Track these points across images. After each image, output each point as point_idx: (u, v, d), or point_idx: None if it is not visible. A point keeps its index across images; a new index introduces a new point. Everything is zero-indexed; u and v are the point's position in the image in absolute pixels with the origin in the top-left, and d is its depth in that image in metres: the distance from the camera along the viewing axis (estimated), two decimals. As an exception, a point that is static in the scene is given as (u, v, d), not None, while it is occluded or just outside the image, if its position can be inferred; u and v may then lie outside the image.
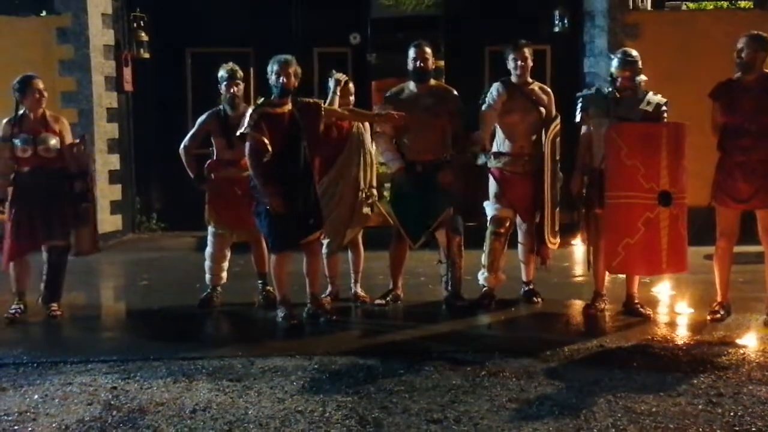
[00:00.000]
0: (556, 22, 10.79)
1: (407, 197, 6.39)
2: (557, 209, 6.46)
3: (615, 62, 6.11)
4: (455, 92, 6.52)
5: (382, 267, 6.90)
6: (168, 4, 10.98)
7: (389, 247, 6.68)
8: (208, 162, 6.59)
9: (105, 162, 10.53)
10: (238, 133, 5.87)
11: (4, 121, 6.28)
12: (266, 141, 5.74)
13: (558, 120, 6.41)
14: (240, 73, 6.57)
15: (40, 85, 6.29)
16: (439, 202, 6.36)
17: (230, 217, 6.51)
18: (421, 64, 6.38)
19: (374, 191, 6.57)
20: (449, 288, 6.55)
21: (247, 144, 5.82)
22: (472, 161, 6.56)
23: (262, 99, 5.98)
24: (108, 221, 10.55)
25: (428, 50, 6.42)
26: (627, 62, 6.04)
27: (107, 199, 10.57)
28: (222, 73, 6.53)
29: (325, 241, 6.51)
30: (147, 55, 10.89)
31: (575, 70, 10.90)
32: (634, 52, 6.13)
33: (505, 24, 10.38)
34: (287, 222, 5.90)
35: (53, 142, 6.24)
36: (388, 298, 6.63)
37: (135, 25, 10.76)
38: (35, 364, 5.19)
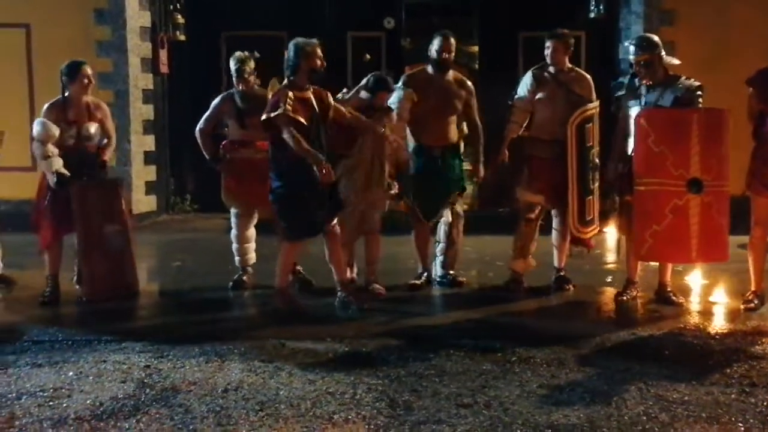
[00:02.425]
0: (592, 7, 10.68)
1: (421, 178, 6.47)
2: (590, 197, 6.40)
3: (631, 49, 6.04)
4: (470, 83, 6.65)
5: (412, 251, 6.90)
6: (204, -13, 11.05)
7: (412, 231, 6.74)
8: (223, 143, 6.65)
9: (140, 143, 10.63)
10: (272, 115, 5.70)
11: (48, 105, 6.28)
12: (305, 122, 5.72)
13: (591, 105, 6.35)
14: (251, 66, 6.54)
15: (89, 71, 6.33)
16: (452, 183, 6.55)
17: (248, 196, 6.52)
18: (446, 56, 6.46)
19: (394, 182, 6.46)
20: (444, 266, 6.68)
21: (284, 125, 5.67)
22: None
23: (285, 82, 5.90)
24: (142, 202, 10.66)
25: (453, 42, 6.48)
26: (638, 48, 5.95)
27: (142, 180, 10.68)
28: (232, 65, 6.53)
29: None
30: (183, 38, 10.96)
31: (611, 56, 10.79)
32: (654, 37, 6.06)
33: (539, 10, 10.33)
34: (310, 210, 5.87)
35: (93, 130, 6.32)
36: (422, 280, 6.72)
37: (171, 7, 10.83)
38: (70, 342, 5.27)
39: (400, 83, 6.51)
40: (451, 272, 6.73)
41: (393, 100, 6.36)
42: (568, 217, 6.37)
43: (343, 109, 6.11)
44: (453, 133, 6.54)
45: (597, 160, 6.42)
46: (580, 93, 6.36)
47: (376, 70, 7.33)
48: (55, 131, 6.11)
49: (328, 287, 6.34)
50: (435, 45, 6.47)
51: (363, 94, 6.39)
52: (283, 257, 6.07)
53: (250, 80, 6.57)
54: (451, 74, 6.58)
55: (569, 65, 6.44)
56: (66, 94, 6.28)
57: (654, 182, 5.77)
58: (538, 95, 6.37)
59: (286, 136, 5.71)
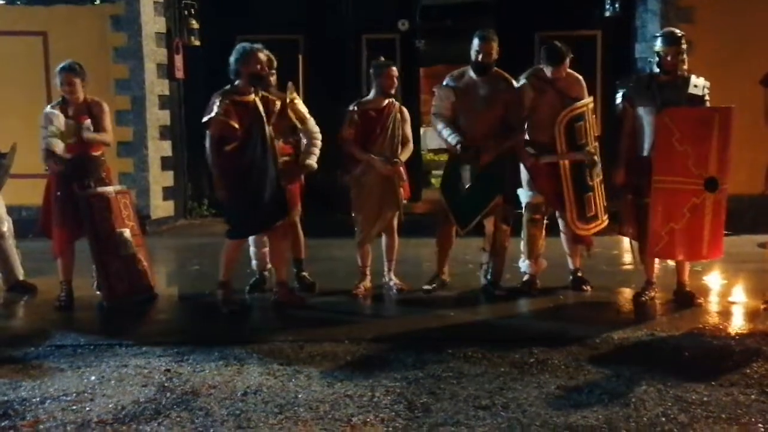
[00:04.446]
0: (608, 6, 10.65)
1: (458, 184, 6.37)
2: (589, 194, 6.38)
3: (660, 40, 6.02)
4: (513, 81, 6.41)
5: (429, 253, 6.91)
6: (218, -8, 11.11)
7: (436, 233, 6.66)
8: None
9: (157, 148, 10.69)
10: (205, 119, 5.90)
11: (49, 107, 6.38)
12: (237, 126, 5.84)
13: (579, 104, 6.30)
14: (274, 62, 6.54)
15: (72, 78, 6.32)
16: (490, 190, 6.34)
17: None
18: (486, 60, 6.26)
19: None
20: (488, 276, 6.56)
21: (209, 132, 5.90)
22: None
23: (228, 86, 6.03)
24: (160, 207, 10.73)
25: (495, 45, 6.25)
26: (673, 40, 5.96)
27: (159, 185, 10.74)
28: None
29: (356, 230, 6.60)
30: (198, 43, 11.01)
31: (626, 55, 10.75)
32: (679, 31, 6.06)
33: (555, 9, 10.32)
34: (251, 212, 6.02)
35: (88, 124, 6.33)
36: (434, 284, 6.65)
37: (186, 12, 10.88)
38: (92, 347, 5.33)
39: (444, 83, 6.45)
40: (508, 286, 6.60)
41: (434, 100, 6.40)
42: (566, 214, 6.37)
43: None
44: (492, 137, 6.27)
45: (596, 157, 6.38)
46: (575, 96, 6.34)
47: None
48: (55, 116, 6.18)
49: (342, 289, 6.41)
50: (474, 47, 6.26)
51: (371, 93, 6.49)
52: (224, 254, 6.21)
53: (274, 74, 6.54)
54: (493, 74, 6.35)
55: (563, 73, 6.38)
56: (60, 97, 6.38)
57: (675, 181, 5.79)
58: (536, 103, 6.31)
59: (206, 142, 5.92)
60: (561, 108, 6.29)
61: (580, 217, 6.38)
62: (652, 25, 10.16)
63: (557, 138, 6.25)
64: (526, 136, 6.43)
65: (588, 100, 6.42)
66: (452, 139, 6.26)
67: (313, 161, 6.46)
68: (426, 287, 6.64)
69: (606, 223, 6.54)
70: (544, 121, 6.32)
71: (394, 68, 6.52)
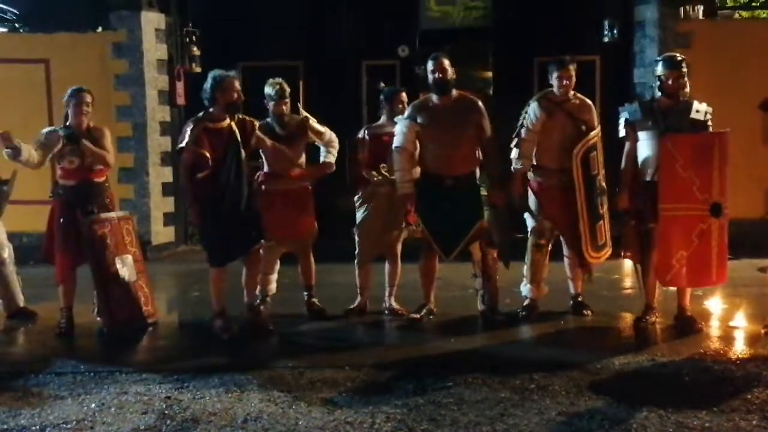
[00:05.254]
0: (606, 32, 10.69)
1: (437, 211, 6.32)
2: (600, 222, 6.40)
3: (661, 64, 6.05)
4: (480, 103, 6.41)
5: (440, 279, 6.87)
6: (219, 19, 11.15)
7: (419, 261, 6.61)
8: (259, 174, 6.67)
9: (158, 175, 10.71)
10: (178, 147, 6.00)
11: (49, 129, 6.41)
12: (208, 155, 5.86)
13: (592, 134, 6.34)
14: (287, 91, 6.60)
15: (87, 98, 6.35)
16: (471, 215, 6.33)
17: (280, 229, 6.55)
18: (440, 76, 6.26)
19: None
20: (485, 302, 6.52)
21: (182, 159, 5.97)
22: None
23: (202, 113, 6.04)
24: (161, 233, 10.73)
25: (446, 61, 6.29)
26: (674, 63, 5.99)
27: (160, 211, 10.75)
28: (270, 91, 6.56)
29: (357, 251, 6.66)
30: (199, 70, 11.02)
31: (625, 81, 10.80)
32: (679, 55, 6.09)
33: (554, 35, 10.36)
34: (228, 238, 6.04)
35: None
36: (422, 313, 6.58)
37: (187, 39, 10.93)
38: (92, 374, 5.32)
39: (405, 115, 6.39)
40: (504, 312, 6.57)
41: (396, 132, 6.34)
42: (581, 244, 6.36)
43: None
44: (467, 161, 6.32)
45: (603, 185, 6.42)
46: (586, 120, 6.36)
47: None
48: (53, 135, 6.24)
49: (343, 315, 6.44)
50: (429, 68, 6.31)
51: (381, 119, 6.64)
52: (211, 283, 6.29)
53: (288, 103, 6.61)
54: (456, 97, 6.35)
55: (572, 92, 6.41)
56: (68, 122, 6.37)
57: (681, 207, 5.81)
58: (547, 127, 6.32)
59: (180, 168, 6.03)
60: (571, 130, 6.31)
61: (593, 247, 6.40)
62: (650, 51, 10.21)
63: (574, 171, 6.25)
64: (534, 162, 6.44)
65: (598, 129, 6.43)
66: (401, 188, 6.30)
67: (331, 159, 6.70)
68: (414, 315, 6.57)
69: (611, 251, 6.55)
70: (554, 145, 6.33)
71: (404, 94, 6.66)
